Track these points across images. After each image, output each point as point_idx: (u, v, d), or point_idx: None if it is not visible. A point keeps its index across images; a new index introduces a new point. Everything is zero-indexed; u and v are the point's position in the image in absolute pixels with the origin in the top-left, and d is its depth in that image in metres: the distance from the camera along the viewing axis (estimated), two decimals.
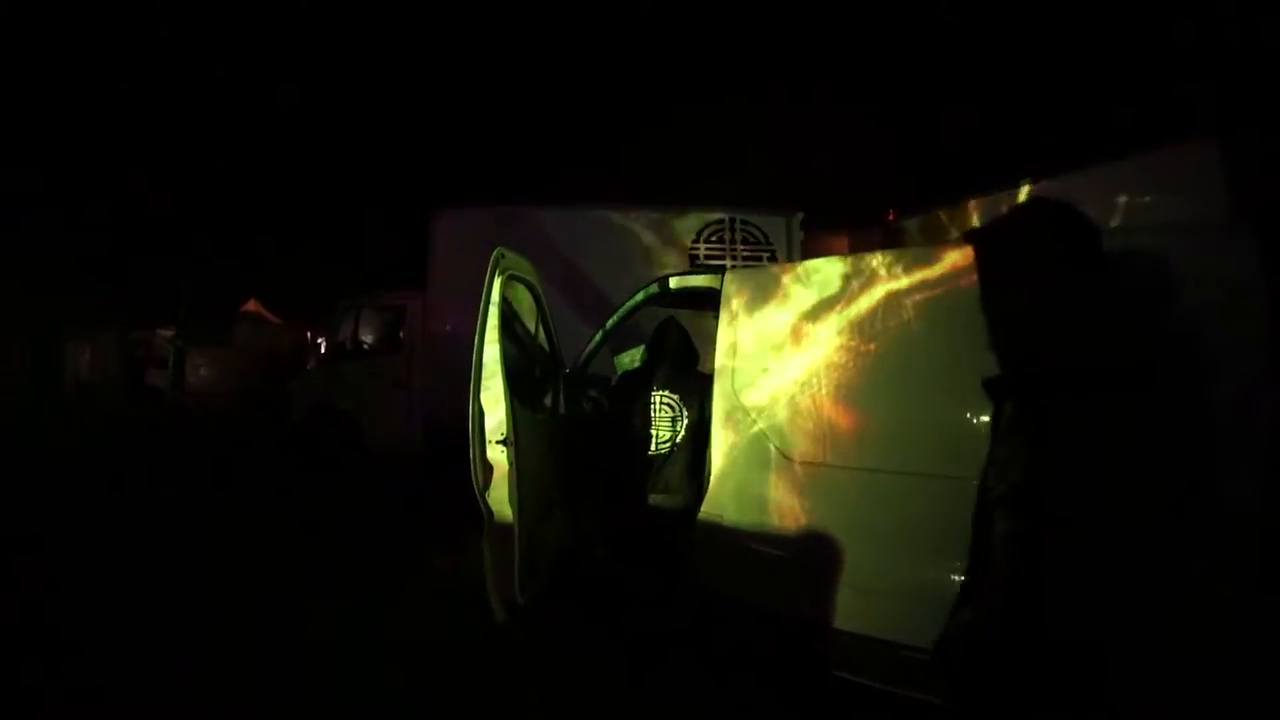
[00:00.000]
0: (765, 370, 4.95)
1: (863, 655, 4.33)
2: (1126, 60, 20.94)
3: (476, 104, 31.12)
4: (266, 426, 16.44)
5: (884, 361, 4.48)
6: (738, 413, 5.03)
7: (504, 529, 5.14)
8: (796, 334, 4.85)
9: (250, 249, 31.59)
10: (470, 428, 5.06)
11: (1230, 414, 3.57)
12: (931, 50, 26.57)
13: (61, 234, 22.90)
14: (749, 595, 4.93)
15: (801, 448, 4.75)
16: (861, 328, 4.56)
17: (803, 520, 4.69)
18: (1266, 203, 7.05)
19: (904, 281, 4.44)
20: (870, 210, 14.60)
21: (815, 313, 4.78)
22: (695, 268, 11.84)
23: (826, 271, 4.84)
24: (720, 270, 11.29)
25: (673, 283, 5.95)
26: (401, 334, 13.28)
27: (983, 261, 2.32)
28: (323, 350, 14.74)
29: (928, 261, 4.41)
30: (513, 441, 5.03)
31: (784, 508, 4.80)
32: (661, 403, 5.61)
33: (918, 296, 4.37)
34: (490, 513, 5.15)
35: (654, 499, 5.61)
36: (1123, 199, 8.57)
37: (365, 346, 13.75)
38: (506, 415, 5.01)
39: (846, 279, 4.68)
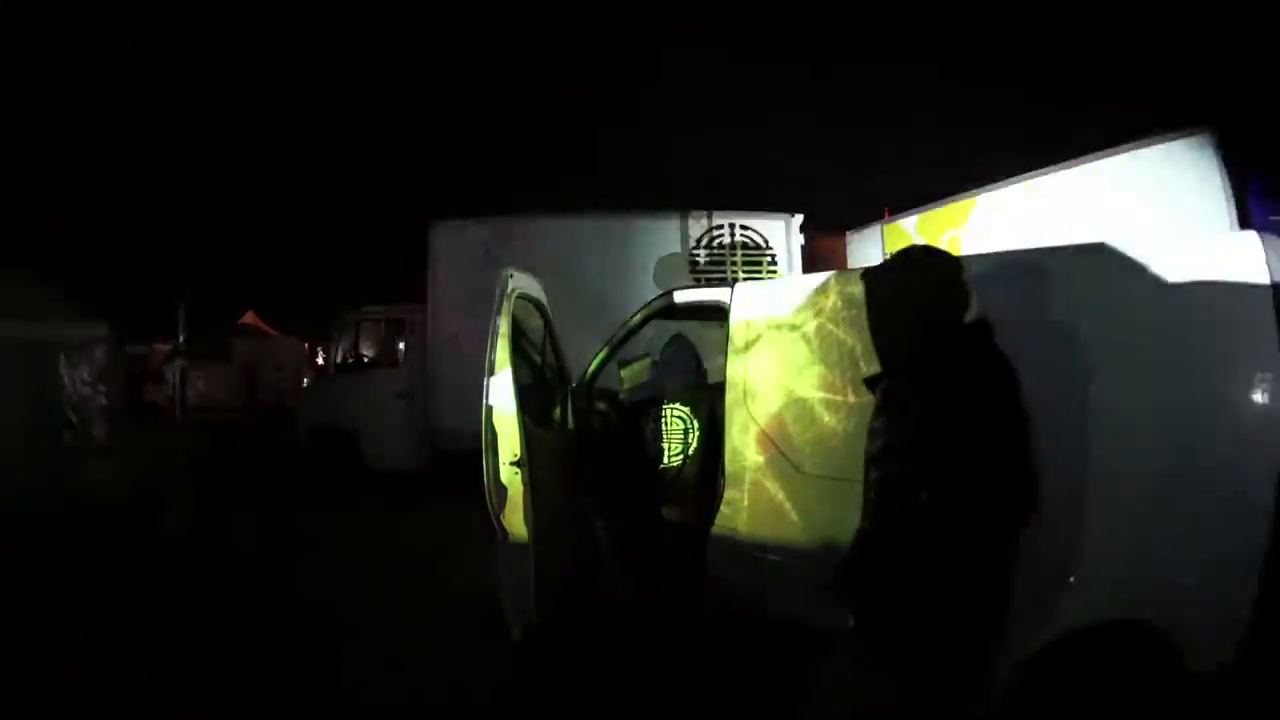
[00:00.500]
0: (776, 383, 4.95)
1: None
2: (1123, 53, 21.05)
3: (474, 112, 31.26)
4: (269, 443, 16.44)
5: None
6: (750, 425, 5.03)
7: (519, 549, 5.17)
8: (805, 346, 4.87)
9: (245, 259, 31.68)
10: (483, 450, 5.07)
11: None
12: (926, 45, 26.72)
13: (55, 247, 22.90)
14: (764, 606, 4.97)
15: (813, 460, 4.76)
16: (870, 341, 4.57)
17: (816, 532, 4.71)
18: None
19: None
20: (867, 209, 14.66)
21: (823, 325, 4.79)
22: (696, 272, 11.95)
23: (834, 284, 4.85)
24: (723, 280, 11.49)
25: (679, 297, 5.94)
26: (402, 347, 13.22)
27: (869, 292, 2.97)
28: (321, 364, 14.72)
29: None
30: (526, 463, 5.03)
31: (797, 520, 4.82)
32: (673, 416, 5.61)
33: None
34: (505, 534, 5.19)
35: (667, 513, 5.62)
36: (1118, 191, 8.65)
37: (365, 360, 13.71)
38: (519, 437, 5.01)
39: (855, 292, 4.69)
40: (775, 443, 4.91)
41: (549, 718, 4.99)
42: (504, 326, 5.10)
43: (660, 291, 9.33)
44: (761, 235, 12.15)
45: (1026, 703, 3.87)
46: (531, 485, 5.08)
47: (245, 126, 30.33)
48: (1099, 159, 9.04)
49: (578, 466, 6.16)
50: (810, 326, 4.83)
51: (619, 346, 6.48)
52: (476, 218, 12.66)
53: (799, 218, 12.26)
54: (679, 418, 5.56)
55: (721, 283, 11.50)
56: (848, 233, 13.91)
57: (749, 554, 4.97)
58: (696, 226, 12.13)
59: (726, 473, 5.12)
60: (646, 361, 6.76)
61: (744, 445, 5.07)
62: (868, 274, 3.02)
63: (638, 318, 6.28)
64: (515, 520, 5.13)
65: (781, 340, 4.99)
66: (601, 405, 6.63)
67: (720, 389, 5.26)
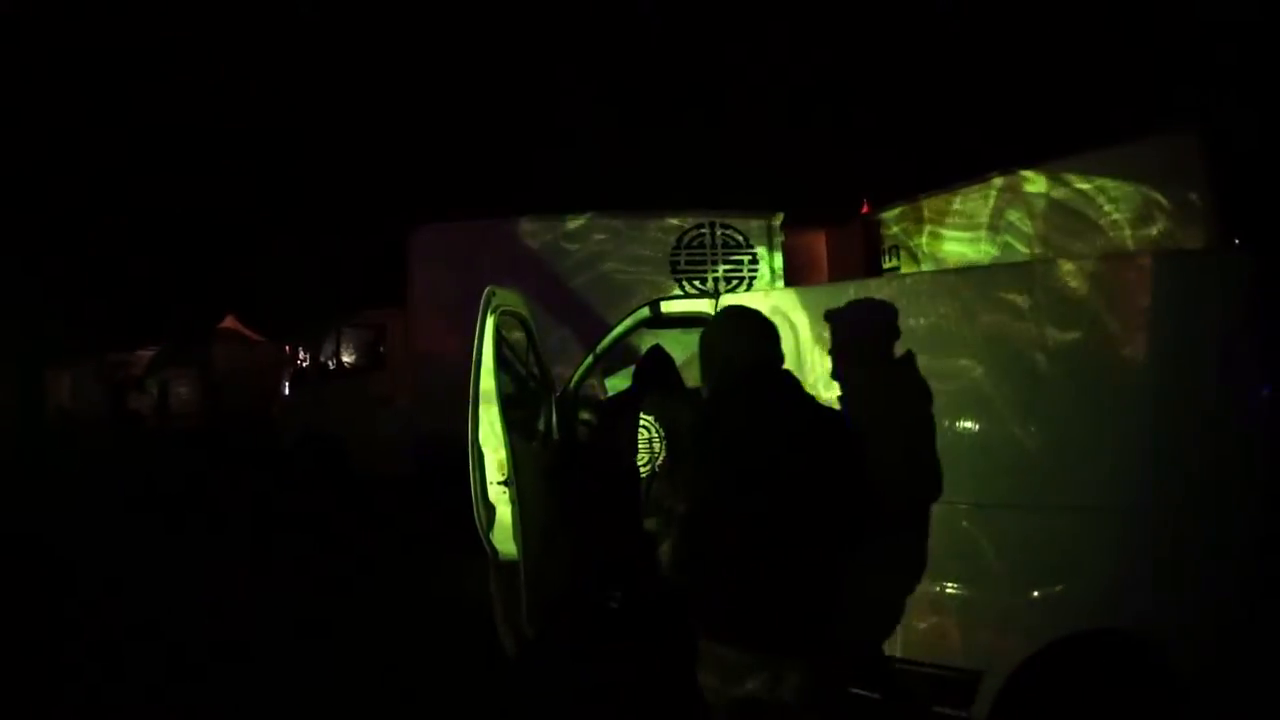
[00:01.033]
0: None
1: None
2: (1107, 50, 21.07)
3: (449, 113, 30.99)
4: (251, 450, 16.40)
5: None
6: None
7: (509, 566, 5.20)
8: (794, 359, 4.86)
9: (224, 261, 31.47)
10: (470, 469, 5.07)
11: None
12: (907, 40, 26.66)
13: (36, 256, 22.74)
14: None
15: None
16: (852, 356, 4.59)
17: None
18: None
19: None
20: (847, 204, 14.65)
21: (807, 339, 4.80)
22: (677, 273, 11.93)
23: (818, 299, 4.86)
24: (703, 279, 11.49)
25: (664, 307, 5.93)
26: (383, 351, 13.19)
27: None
28: (300, 368, 14.65)
29: (916, 290, 4.48)
30: (513, 482, 5.02)
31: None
32: (643, 426, 5.61)
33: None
34: (495, 551, 5.22)
35: (648, 524, 5.62)
36: (1101, 189, 8.56)
37: (348, 366, 13.65)
38: (506, 456, 5.00)
39: (838, 306, 4.70)
40: None
41: None
42: (487, 347, 5.08)
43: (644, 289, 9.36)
44: (742, 234, 12.12)
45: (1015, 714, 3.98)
46: (519, 504, 5.06)
47: (222, 126, 30.01)
48: (1082, 155, 8.93)
49: (564, 477, 6.16)
50: (801, 340, 4.83)
51: (603, 356, 6.48)
52: (455, 221, 12.62)
53: (780, 216, 12.24)
54: (645, 427, 5.55)
55: (702, 282, 11.67)
56: (827, 227, 13.87)
57: None
58: (677, 226, 12.10)
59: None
60: (630, 371, 6.75)
61: None
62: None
63: (620, 328, 6.27)
64: (504, 539, 5.14)
65: None
66: (585, 414, 6.63)
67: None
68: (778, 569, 2.92)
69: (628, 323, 6.21)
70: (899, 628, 4.34)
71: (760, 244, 12.13)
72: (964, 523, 4.16)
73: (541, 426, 6.30)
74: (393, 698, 5.53)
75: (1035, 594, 4.01)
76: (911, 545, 4.23)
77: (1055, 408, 3.99)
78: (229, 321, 27.12)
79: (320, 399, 13.46)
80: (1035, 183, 9.49)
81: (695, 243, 12.02)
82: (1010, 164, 9.94)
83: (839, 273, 13.36)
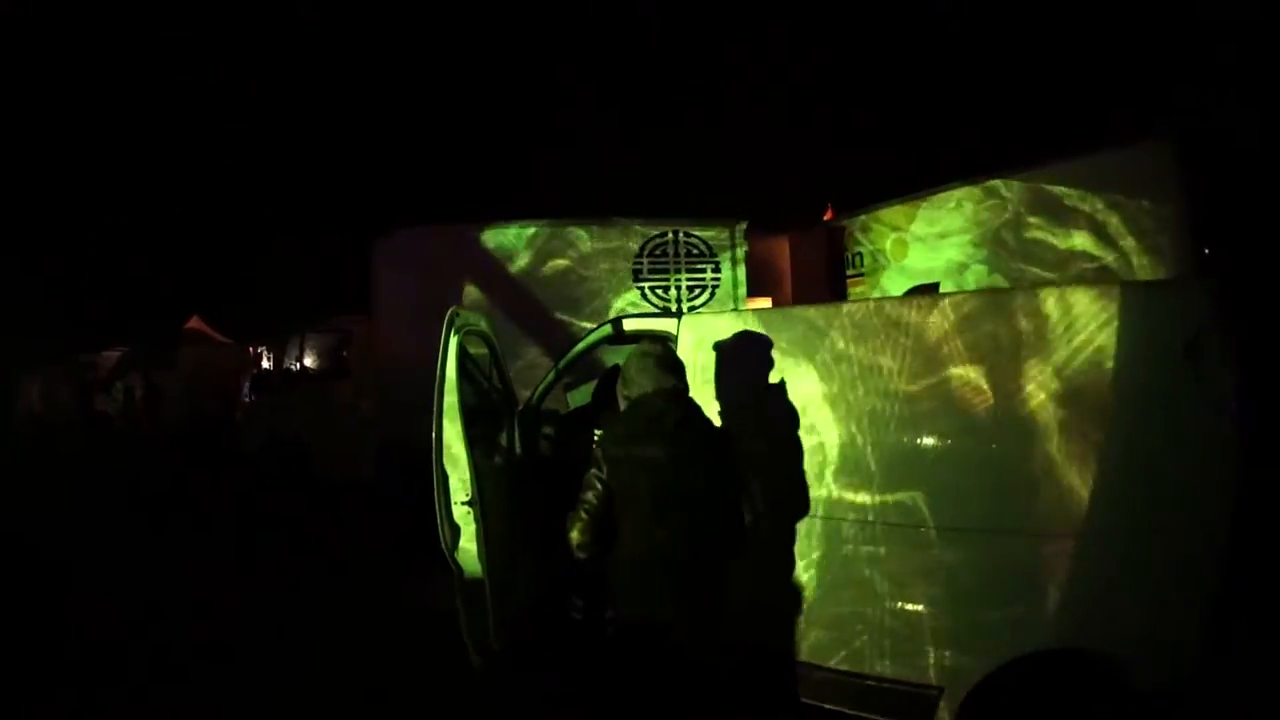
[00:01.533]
0: (720, 416, 5.04)
1: (826, 683, 4.65)
2: (1082, 58, 21.24)
3: (415, 121, 30.82)
4: (217, 455, 16.32)
5: (832, 410, 4.63)
6: None
7: (475, 583, 5.25)
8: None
9: (188, 260, 31.20)
10: (434, 489, 5.12)
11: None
12: (876, 47, 26.75)
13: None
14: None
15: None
16: (814, 375, 4.71)
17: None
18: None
19: (856, 332, 4.58)
20: (811, 209, 14.76)
21: (769, 359, 4.89)
22: (640, 281, 12.01)
23: (780, 319, 4.97)
24: (665, 287, 11.55)
25: (627, 325, 5.99)
26: (347, 358, 13.17)
27: None
28: (262, 371, 14.62)
29: (880, 314, 4.58)
30: (477, 502, 5.09)
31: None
32: (594, 442, 5.68)
33: (866, 348, 4.52)
34: (460, 569, 5.26)
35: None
36: (1072, 198, 8.66)
37: (312, 371, 13.62)
38: (470, 477, 5.06)
39: (802, 328, 4.81)
40: None
41: None
42: (450, 367, 5.13)
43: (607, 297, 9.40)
44: (705, 243, 12.18)
45: None
46: (483, 523, 5.12)
47: (190, 126, 29.77)
48: (1054, 164, 9.03)
49: (527, 492, 6.22)
50: (763, 360, 4.92)
51: (565, 371, 6.53)
52: (420, 228, 12.63)
53: (743, 225, 12.30)
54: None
55: (664, 290, 11.76)
56: (791, 233, 13.94)
57: None
58: (640, 234, 12.16)
59: None
60: (593, 385, 6.84)
61: None
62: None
63: (582, 345, 6.32)
64: (469, 557, 5.19)
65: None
66: (548, 429, 6.68)
67: None
68: (660, 554, 3.71)
69: (590, 339, 6.26)
70: (862, 643, 4.50)
71: (723, 252, 12.20)
72: (927, 545, 4.29)
73: (504, 441, 6.36)
74: (359, 701, 5.64)
75: (995, 614, 4.14)
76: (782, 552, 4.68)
77: (1015, 434, 4.09)
78: (194, 322, 26.82)
79: (284, 404, 13.41)
80: (1004, 191, 9.57)
81: (658, 251, 12.09)
82: (980, 172, 10.02)
83: (803, 279, 13.45)
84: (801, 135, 24.72)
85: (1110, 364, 3.93)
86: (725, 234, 12.24)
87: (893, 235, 11.56)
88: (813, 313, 4.84)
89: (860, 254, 12.33)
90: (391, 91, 31.05)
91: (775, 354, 4.86)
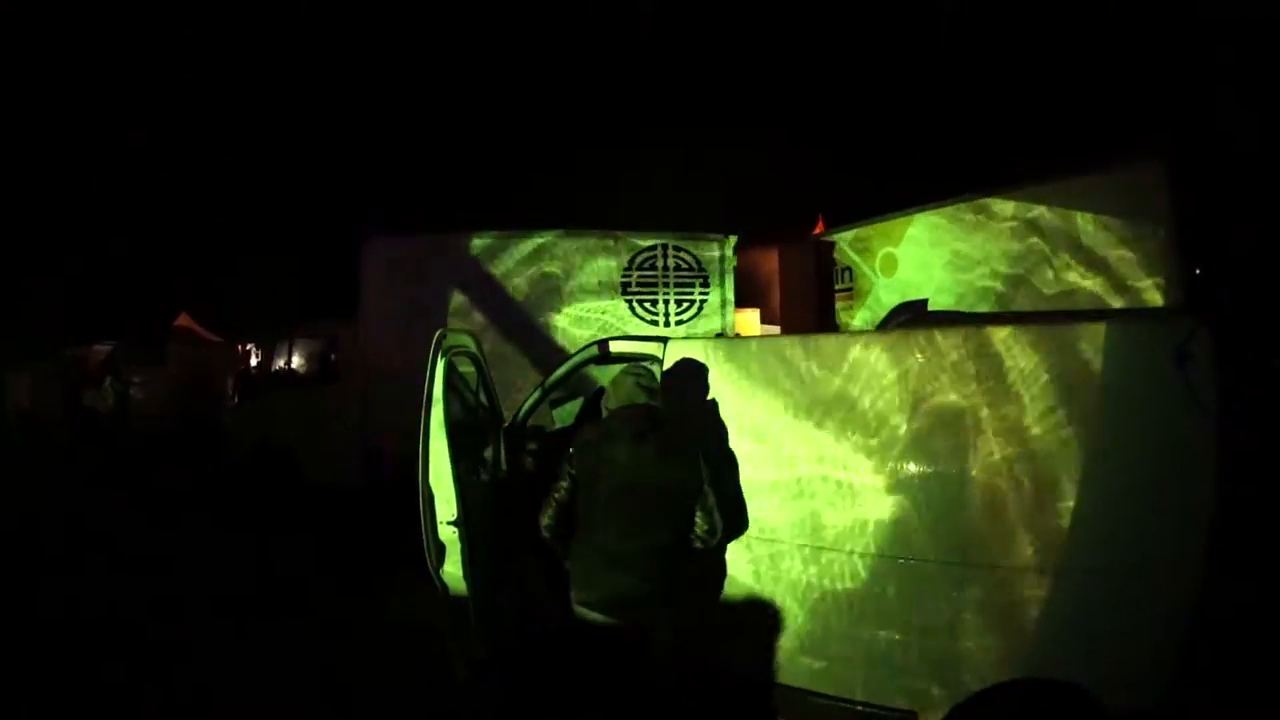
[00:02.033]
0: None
1: (806, 707, 4.77)
2: (1074, 77, 21.29)
3: (407, 128, 30.75)
4: (204, 456, 16.31)
5: (814, 441, 4.72)
6: None
7: (460, 601, 5.32)
8: (733, 407, 5.05)
9: (177, 257, 31.09)
10: (421, 509, 5.19)
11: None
12: (867, 61, 26.75)
13: None
14: (700, 653, 5.16)
15: (756, 525, 4.97)
16: (800, 407, 4.79)
17: (739, 586, 5.02)
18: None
19: (834, 365, 4.66)
20: (802, 221, 14.80)
21: (752, 388, 4.97)
22: (628, 294, 12.08)
23: (767, 348, 5.05)
24: (654, 301, 11.58)
25: (613, 347, 6.06)
26: (335, 362, 13.17)
27: None
28: (248, 372, 14.61)
29: (850, 347, 4.67)
30: (462, 522, 5.15)
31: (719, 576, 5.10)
32: None
33: (842, 381, 4.63)
34: (446, 587, 5.33)
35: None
36: (1062, 218, 8.65)
37: (300, 375, 13.61)
38: (456, 498, 5.13)
39: (788, 358, 4.89)
40: None
41: None
42: (438, 389, 5.19)
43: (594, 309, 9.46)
44: (694, 257, 12.21)
45: None
46: (469, 543, 5.19)
47: (178, 122, 29.69)
48: (1045, 184, 8.99)
49: (512, 506, 6.28)
50: (747, 388, 5.02)
51: (551, 389, 6.59)
52: (408, 234, 12.67)
53: (733, 240, 12.33)
54: None
55: (653, 304, 11.80)
56: (780, 246, 13.97)
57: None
58: (629, 248, 12.18)
59: None
60: (579, 402, 6.90)
61: None
62: None
63: (568, 365, 6.39)
64: (455, 575, 5.26)
65: (711, 399, 5.17)
66: (533, 445, 6.74)
67: None
68: (615, 549, 4.23)
69: (576, 360, 6.32)
70: (838, 667, 4.63)
71: (712, 267, 12.23)
72: (904, 575, 4.40)
73: (490, 457, 6.42)
74: (338, 711, 5.71)
75: (971, 643, 4.22)
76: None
77: (989, 469, 4.16)
78: (183, 320, 26.72)
79: (271, 408, 13.39)
80: (995, 210, 9.54)
81: (647, 264, 12.12)
82: (971, 190, 10.00)
83: (790, 292, 13.48)
84: (794, 147, 24.73)
85: (1084, 401, 4.00)
86: (715, 249, 12.28)
87: (882, 251, 11.56)
88: (792, 344, 4.93)
89: (849, 269, 12.35)
90: (387, 98, 30.99)
91: (752, 382, 4.97)
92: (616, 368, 5.53)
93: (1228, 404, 4.03)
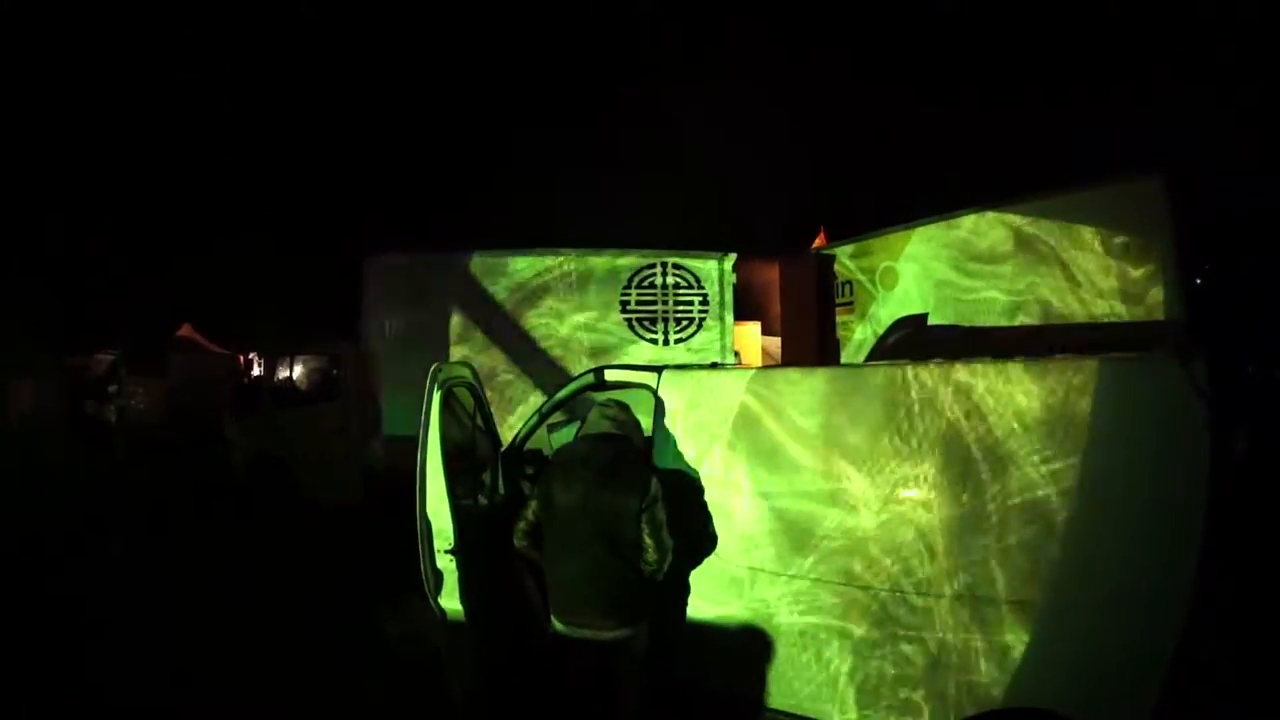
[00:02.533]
0: (698, 471, 5.17)
1: None
2: (1075, 91, 21.26)
3: (403, 145, 30.79)
4: (205, 470, 16.29)
5: (807, 471, 4.76)
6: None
7: (457, 628, 5.36)
8: (726, 438, 5.09)
9: (180, 267, 31.10)
10: (419, 538, 5.23)
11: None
12: (868, 72, 26.72)
13: None
14: (696, 677, 5.31)
15: (732, 550, 5.06)
16: (792, 436, 4.82)
17: (733, 615, 5.08)
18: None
19: (826, 397, 4.70)
20: (802, 235, 14.83)
21: (745, 418, 5.02)
22: (627, 313, 12.11)
23: (758, 379, 5.09)
24: (653, 320, 11.62)
25: (609, 375, 6.12)
26: (337, 381, 13.12)
27: None
28: (247, 385, 14.62)
29: (841, 380, 4.77)
30: (459, 551, 5.19)
31: (713, 603, 5.18)
32: None
33: (832, 413, 4.68)
34: (444, 613, 5.37)
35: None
36: (1063, 233, 8.62)
37: (302, 392, 13.61)
38: (453, 528, 5.17)
39: (777, 388, 4.93)
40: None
41: None
42: (434, 421, 5.24)
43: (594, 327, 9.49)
44: (694, 275, 12.27)
45: None
46: (465, 571, 5.25)
47: (181, 127, 29.75)
48: (1046, 199, 8.97)
49: (510, 531, 6.32)
50: (740, 418, 5.08)
51: (548, 414, 6.63)
52: (410, 254, 12.73)
53: (732, 257, 12.38)
54: None
55: (651, 322, 11.84)
56: (781, 259, 13.99)
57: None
58: (628, 265, 12.24)
59: None
60: (576, 427, 6.91)
61: None
62: None
63: (565, 391, 6.45)
64: (452, 603, 5.30)
65: (706, 430, 5.24)
66: (530, 470, 6.78)
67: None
68: (574, 569, 4.52)
69: (572, 387, 6.40)
70: (828, 693, 4.70)
71: (711, 285, 12.29)
72: (892, 606, 4.44)
73: (488, 481, 6.46)
74: None
75: (953, 672, 4.26)
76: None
77: (978, 503, 4.21)
78: (186, 330, 26.72)
79: (273, 425, 13.38)
80: (995, 224, 9.50)
81: (646, 282, 12.19)
82: (972, 204, 9.95)
83: (791, 306, 13.50)
84: (799, 159, 24.74)
85: (1074, 437, 4.03)
86: (714, 266, 12.34)
87: (882, 265, 11.54)
88: (790, 376, 4.98)
89: (849, 283, 12.35)
90: (391, 114, 31.04)
91: (745, 411, 5.04)
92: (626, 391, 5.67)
93: (1221, 438, 4.02)
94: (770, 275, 13.95)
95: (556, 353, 11.85)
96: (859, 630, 4.55)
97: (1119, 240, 8.04)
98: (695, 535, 5.01)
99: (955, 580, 4.26)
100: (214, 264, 30.56)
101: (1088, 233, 8.37)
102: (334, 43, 31.07)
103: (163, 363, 24.21)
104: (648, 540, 4.50)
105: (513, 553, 5.80)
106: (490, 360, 11.80)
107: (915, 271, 10.89)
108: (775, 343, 14.52)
